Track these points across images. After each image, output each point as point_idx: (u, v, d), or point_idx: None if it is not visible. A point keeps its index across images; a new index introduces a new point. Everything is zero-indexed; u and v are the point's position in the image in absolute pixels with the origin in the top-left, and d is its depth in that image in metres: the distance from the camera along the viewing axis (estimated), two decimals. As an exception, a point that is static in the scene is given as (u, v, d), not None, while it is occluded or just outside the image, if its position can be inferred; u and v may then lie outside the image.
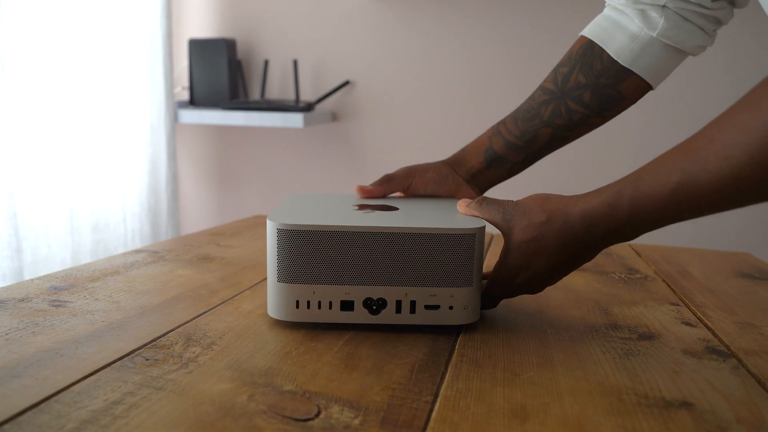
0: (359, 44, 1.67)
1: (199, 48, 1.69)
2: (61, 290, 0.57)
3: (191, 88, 1.72)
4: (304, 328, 0.50)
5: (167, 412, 0.35)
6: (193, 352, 0.44)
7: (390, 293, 0.48)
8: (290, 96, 1.76)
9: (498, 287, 0.52)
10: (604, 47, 0.59)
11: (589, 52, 0.60)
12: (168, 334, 0.47)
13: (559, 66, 0.62)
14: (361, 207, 0.55)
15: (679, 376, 0.43)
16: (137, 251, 0.73)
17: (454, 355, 0.45)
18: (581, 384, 0.41)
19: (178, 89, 1.85)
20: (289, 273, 0.47)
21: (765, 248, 1.50)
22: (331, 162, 1.74)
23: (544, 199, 0.49)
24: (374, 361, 0.43)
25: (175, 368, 0.41)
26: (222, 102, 1.68)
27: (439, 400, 0.38)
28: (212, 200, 1.89)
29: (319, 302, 0.48)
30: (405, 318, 0.48)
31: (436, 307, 0.48)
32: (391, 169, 1.69)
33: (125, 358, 0.42)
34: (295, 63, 1.64)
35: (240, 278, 0.63)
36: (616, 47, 0.58)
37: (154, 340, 0.46)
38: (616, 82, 0.59)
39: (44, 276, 0.61)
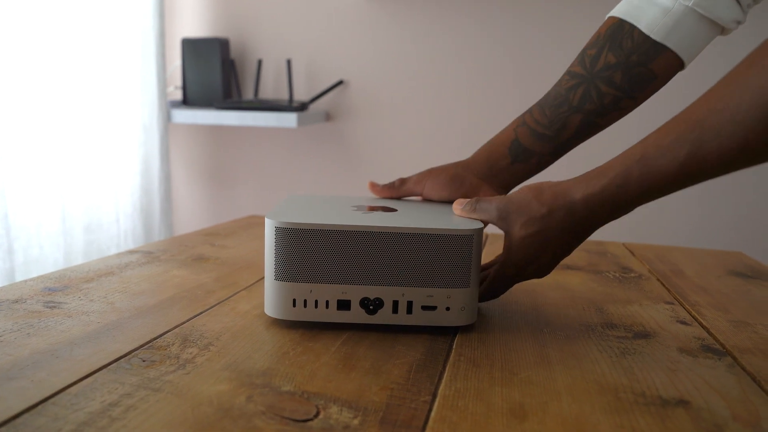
0: (353, 44, 1.67)
1: (192, 47, 1.68)
2: (55, 291, 0.56)
3: (184, 88, 1.71)
4: (302, 328, 0.49)
5: (165, 413, 0.35)
6: (190, 353, 0.43)
7: (387, 293, 0.48)
8: (284, 96, 1.75)
9: (502, 283, 0.52)
10: (635, 24, 0.55)
11: (618, 30, 0.56)
12: (164, 335, 0.47)
13: (586, 49, 0.58)
14: (359, 208, 0.55)
15: (676, 375, 0.43)
16: (131, 252, 0.73)
17: (452, 354, 0.45)
18: (579, 383, 0.41)
19: (170, 89, 1.84)
20: (287, 271, 0.47)
21: (757, 247, 1.51)
22: (325, 162, 1.74)
23: (538, 191, 0.48)
24: (372, 361, 0.43)
25: (172, 369, 0.41)
26: (215, 102, 1.67)
27: (437, 399, 0.38)
28: (205, 200, 1.89)
29: (316, 301, 0.48)
30: (402, 318, 0.48)
31: (433, 308, 0.48)
32: (385, 169, 1.69)
33: (122, 360, 0.42)
34: (289, 63, 1.64)
35: (236, 278, 0.63)
36: (648, 22, 0.55)
37: (150, 341, 0.45)
38: (648, 60, 0.56)
39: (38, 277, 0.60)
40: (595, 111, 0.57)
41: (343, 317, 0.48)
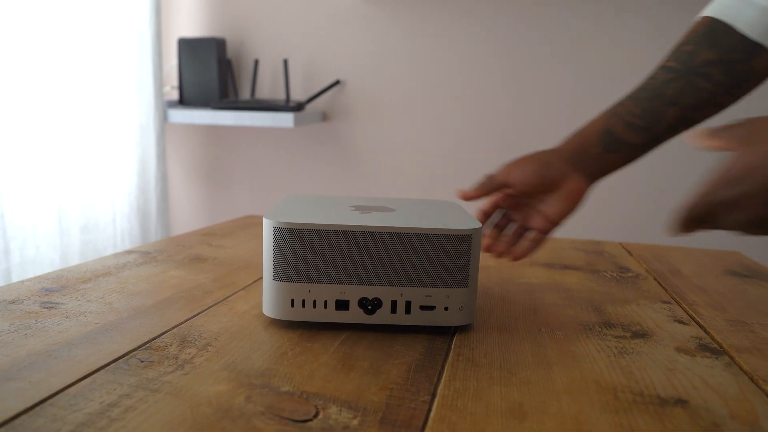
0: (350, 44, 1.67)
1: (188, 47, 1.68)
2: (52, 292, 0.56)
3: (181, 88, 1.71)
4: (300, 328, 0.49)
5: (164, 414, 0.35)
6: (189, 354, 0.43)
7: (385, 293, 0.48)
8: (280, 96, 1.75)
9: (709, 203, 0.42)
10: (732, 23, 0.55)
11: (715, 29, 0.56)
12: (163, 336, 0.47)
13: (680, 45, 0.58)
14: (358, 208, 0.55)
15: (674, 374, 0.43)
16: (128, 252, 0.72)
17: (451, 354, 0.45)
18: (577, 382, 0.41)
19: (167, 89, 1.84)
20: (285, 271, 0.47)
21: (754, 247, 1.52)
22: (322, 162, 1.74)
23: None
24: (371, 361, 0.43)
25: (170, 370, 0.40)
26: (212, 101, 1.67)
27: (436, 399, 0.38)
28: (202, 200, 1.88)
29: (315, 301, 0.48)
30: (400, 318, 0.48)
31: (432, 307, 0.48)
32: (382, 169, 1.69)
33: (120, 360, 0.42)
34: (286, 62, 1.64)
35: (233, 278, 0.63)
36: (747, 22, 0.55)
37: (148, 342, 0.45)
38: (748, 58, 0.56)
39: (35, 277, 0.60)
40: (692, 105, 0.57)
41: (341, 317, 0.48)
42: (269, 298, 0.48)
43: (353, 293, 0.48)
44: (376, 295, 0.48)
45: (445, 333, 0.50)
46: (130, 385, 0.38)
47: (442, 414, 0.36)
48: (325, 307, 0.48)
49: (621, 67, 1.51)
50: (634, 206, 1.57)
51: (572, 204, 0.59)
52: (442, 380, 0.41)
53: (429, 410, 0.36)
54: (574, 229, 1.61)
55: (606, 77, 1.52)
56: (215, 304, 0.55)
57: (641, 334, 0.51)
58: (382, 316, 0.48)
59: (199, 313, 0.52)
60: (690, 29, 0.59)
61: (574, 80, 1.54)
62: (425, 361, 0.44)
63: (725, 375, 0.43)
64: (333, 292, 0.48)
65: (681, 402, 0.39)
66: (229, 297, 0.57)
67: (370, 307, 0.48)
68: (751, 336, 0.52)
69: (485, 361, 0.44)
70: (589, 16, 1.50)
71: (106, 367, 0.40)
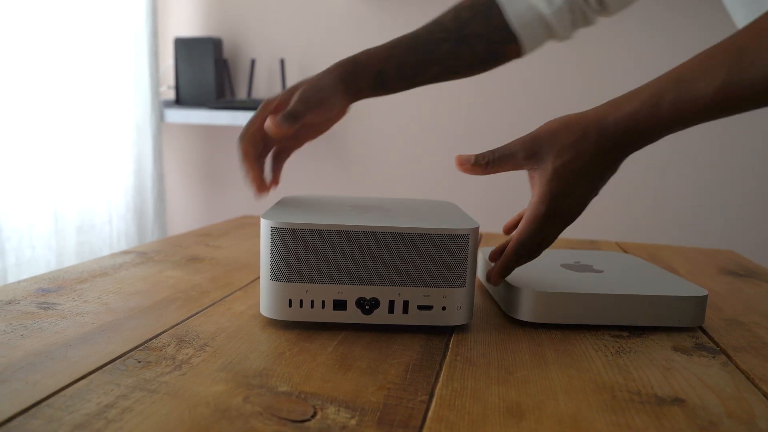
0: (346, 44, 1.66)
1: (184, 47, 1.67)
2: (49, 292, 0.56)
3: (177, 88, 1.71)
4: (297, 328, 0.49)
5: (162, 415, 0.35)
6: (186, 354, 0.43)
7: (383, 293, 0.48)
8: (277, 95, 1.75)
9: (536, 230, 0.49)
10: (504, 6, 0.63)
11: (491, 5, 0.63)
12: (160, 336, 0.46)
13: (460, 9, 0.64)
14: (355, 208, 0.55)
15: (671, 373, 0.43)
16: (125, 252, 0.72)
17: (448, 354, 0.45)
18: (575, 382, 0.41)
19: (163, 88, 1.83)
20: (282, 271, 0.47)
21: (749, 245, 1.52)
22: (318, 161, 1.74)
23: (564, 121, 0.47)
24: (368, 361, 0.43)
25: (168, 370, 0.40)
26: (208, 101, 1.67)
27: (434, 399, 0.38)
28: (199, 201, 1.88)
29: (312, 301, 0.48)
30: (398, 318, 0.48)
31: (429, 307, 0.48)
32: (380, 168, 1.69)
33: (117, 361, 0.42)
34: (282, 62, 1.64)
35: (230, 279, 0.63)
36: (514, 11, 0.62)
37: (145, 342, 0.45)
38: (506, 42, 0.63)
39: (31, 278, 0.60)
40: (450, 68, 0.64)
41: (339, 317, 0.48)
42: (267, 298, 0.48)
43: (350, 293, 0.48)
44: (374, 295, 0.48)
45: (443, 333, 0.50)
46: (127, 385, 0.38)
47: (440, 414, 0.36)
48: (323, 307, 0.48)
49: (621, 67, 1.52)
50: (629, 205, 1.57)
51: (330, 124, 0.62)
52: (440, 380, 0.41)
53: (427, 410, 0.36)
54: (571, 228, 1.62)
55: (606, 77, 1.53)
56: (212, 305, 0.54)
57: (638, 334, 0.51)
58: (380, 316, 0.48)
59: (196, 314, 0.52)
60: None
61: (574, 79, 1.55)
62: (423, 361, 0.44)
63: (722, 374, 0.43)
64: (330, 292, 0.48)
65: (678, 401, 0.39)
66: (226, 297, 0.57)
67: (367, 307, 0.48)
68: (747, 335, 0.52)
69: (483, 360, 0.44)
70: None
71: (103, 368, 0.40)
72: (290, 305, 0.48)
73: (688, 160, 1.52)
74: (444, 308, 0.48)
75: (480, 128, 1.61)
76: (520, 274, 0.55)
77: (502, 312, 0.56)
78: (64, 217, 1.42)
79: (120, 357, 0.42)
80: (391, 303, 0.48)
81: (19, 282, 0.59)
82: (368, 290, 0.48)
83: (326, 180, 1.74)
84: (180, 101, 1.71)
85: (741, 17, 0.59)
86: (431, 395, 0.38)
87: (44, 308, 0.52)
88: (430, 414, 0.36)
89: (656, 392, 0.40)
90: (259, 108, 0.58)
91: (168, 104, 1.73)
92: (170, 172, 1.89)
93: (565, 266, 0.60)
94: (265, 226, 0.47)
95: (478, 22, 0.62)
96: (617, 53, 1.50)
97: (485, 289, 0.63)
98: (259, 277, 0.64)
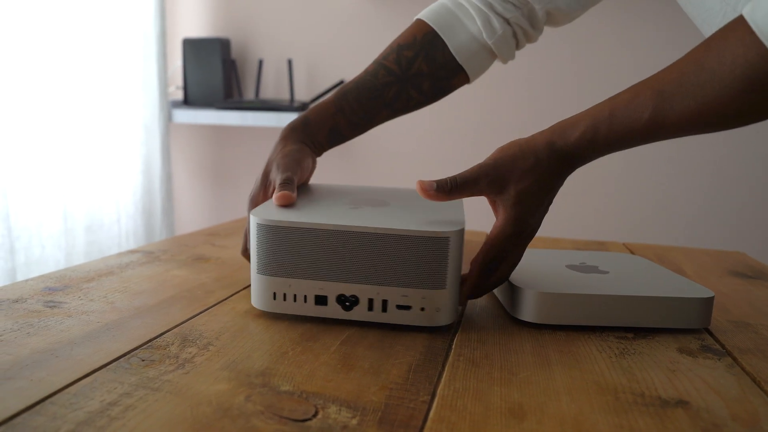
0: (354, 44, 1.67)
1: (193, 47, 1.68)
2: (55, 291, 0.56)
3: (185, 88, 1.72)
4: (301, 328, 0.49)
5: (164, 413, 0.35)
6: (190, 353, 0.43)
7: (362, 291, 0.48)
8: (285, 96, 1.75)
9: (501, 250, 0.50)
10: (446, 41, 0.63)
11: (433, 42, 0.64)
12: (164, 335, 0.47)
13: (402, 48, 0.64)
14: (350, 202, 0.56)
15: (675, 375, 0.43)
16: (132, 252, 0.73)
17: (451, 355, 0.45)
18: (578, 383, 0.41)
19: (172, 89, 1.84)
20: (268, 266, 0.49)
21: (758, 247, 1.51)
22: (325, 162, 1.74)
23: (519, 147, 0.50)
24: (371, 361, 0.43)
25: (171, 369, 0.41)
26: (216, 102, 1.67)
27: (436, 399, 0.38)
28: (207, 200, 1.89)
29: (295, 295, 0.49)
30: (377, 316, 0.49)
31: (408, 307, 0.48)
32: (385, 168, 1.69)
33: (121, 359, 0.42)
34: (290, 62, 1.64)
35: (236, 278, 0.63)
36: (457, 45, 0.63)
37: (150, 341, 0.45)
38: (451, 76, 0.65)
39: (38, 277, 0.60)
40: (400, 108, 0.66)
41: (320, 312, 0.49)
42: (255, 289, 0.50)
43: (331, 289, 0.48)
44: (354, 292, 0.48)
45: (446, 333, 0.50)
46: (130, 384, 0.38)
47: (442, 414, 0.36)
48: (305, 301, 0.49)
49: (622, 67, 1.51)
50: (638, 207, 1.56)
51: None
52: (442, 380, 0.41)
53: (428, 410, 0.36)
54: (577, 229, 1.61)
55: (607, 77, 1.52)
56: (217, 304, 0.55)
57: (643, 335, 0.51)
58: (359, 313, 0.49)
59: (200, 313, 0.52)
60: (411, 30, 0.65)
61: (576, 80, 1.54)
62: (425, 362, 0.44)
63: (727, 376, 0.43)
64: (312, 287, 0.49)
65: (682, 403, 0.39)
66: (230, 297, 0.57)
67: (347, 304, 0.49)
68: (754, 337, 0.52)
69: (486, 361, 0.44)
70: (591, 15, 1.49)
71: (107, 366, 0.41)
72: (275, 298, 0.49)
73: (698, 161, 1.51)
74: (423, 309, 0.48)
75: (481, 128, 1.61)
76: (524, 275, 0.55)
77: (506, 313, 0.55)
78: (73, 217, 1.43)
79: (124, 355, 0.43)
80: (371, 301, 0.48)
81: (26, 281, 0.59)
82: (348, 288, 0.48)
83: (330, 179, 1.74)
84: (188, 101, 1.72)
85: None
86: (433, 395, 0.38)
87: (50, 307, 0.52)
88: (431, 414, 0.36)
89: (660, 394, 0.40)
90: (249, 209, 0.61)
91: (176, 104, 1.74)
92: (178, 172, 1.90)
93: (570, 267, 0.60)
94: (253, 222, 0.49)
95: (421, 60, 0.64)
96: (622, 55, 1.49)
97: (490, 289, 0.63)
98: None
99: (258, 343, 0.46)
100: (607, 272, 0.58)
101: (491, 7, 0.63)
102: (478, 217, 1.62)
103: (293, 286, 0.49)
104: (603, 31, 1.51)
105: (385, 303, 0.48)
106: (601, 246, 0.88)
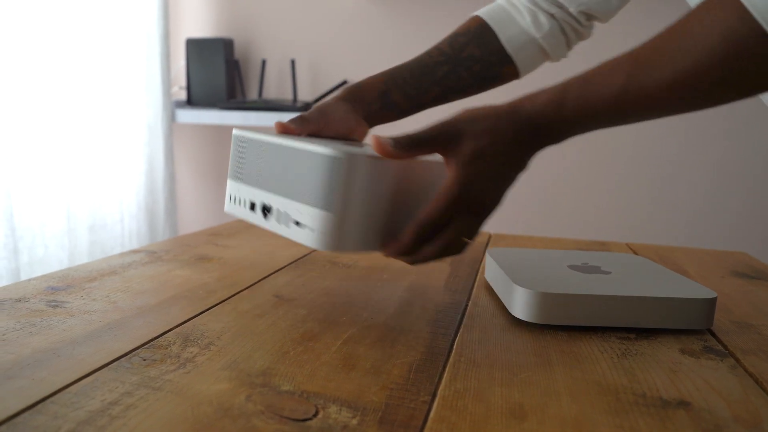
0: (356, 44, 1.67)
1: (196, 48, 1.69)
2: (58, 290, 0.56)
3: (188, 88, 1.72)
4: (302, 328, 0.50)
5: (165, 412, 0.35)
6: (191, 353, 0.44)
7: (274, 201, 0.51)
8: (288, 96, 1.75)
9: (446, 210, 0.48)
10: (497, 33, 0.67)
11: (485, 31, 0.67)
12: (165, 335, 0.47)
13: (456, 35, 0.68)
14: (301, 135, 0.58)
15: (677, 376, 0.43)
16: (134, 251, 0.73)
17: (452, 355, 0.45)
18: (579, 383, 0.41)
19: (175, 89, 1.85)
20: (232, 171, 0.55)
21: (761, 247, 1.50)
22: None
23: (482, 109, 0.49)
24: (372, 361, 0.43)
25: (172, 368, 0.41)
26: (219, 102, 1.67)
27: (437, 400, 0.38)
28: (209, 200, 1.89)
29: (241, 200, 0.54)
30: (283, 230, 0.50)
31: (299, 224, 0.49)
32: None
33: (122, 359, 0.42)
34: (293, 63, 1.64)
35: (238, 278, 0.63)
36: (508, 36, 0.67)
37: (151, 341, 0.45)
38: (501, 64, 0.67)
39: (41, 276, 0.61)
40: (450, 89, 0.67)
41: (253, 218, 0.53)
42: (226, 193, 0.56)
43: (257, 197, 0.53)
44: (269, 202, 0.51)
45: (447, 334, 0.50)
46: (131, 383, 0.38)
47: (442, 414, 0.36)
48: (244, 206, 0.54)
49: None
50: (641, 207, 1.56)
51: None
52: (443, 381, 0.41)
53: (429, 410, 0.36)
54: (580, 229, 1.61)
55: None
56: (218, 304, 0.55)
57: (645, 336, 0.51)
58: (274, 224, 0.51)
59: (202, 313, 0.52)
60: (467, 23, 0.68)
61: (582, 80, 1.54)
62: (427, 362, 0.44)
63: (729, 377, 0.43)
64: (247, 194, 0.53)
65: (683, 404, 0.38)
66: (232, 296, 0.57)
67: (265, 212, 0.52)
68: (757, 338, 0.52)
69: (487, 361, 0.44)
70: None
71: (109, 366, 0.41)
72: (230, 200, 0.55)
73: (700, 161, 1.51)
74: (312, 230, 0.47)
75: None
76: (526, 275, 0.55)
77: (508, 313, 0.55)
78: (76, 217, 1.43)
79: (125, 355, 0.43)
80: (279, 212, 0.50)
81: (29, 280, 0.59)
82: (266, 197, 0.52)
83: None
84: (191, 102, 1.72)
85: None
86: (434, 396, 0.38)
87: (53, 306, 0.52)
88: (431, 414, 0.36)
89: (662, 395, 0.40)
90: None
91: (179, 105, 1.75)
92: (181, 171, 1.90)
93: (572, 267, 0.60)
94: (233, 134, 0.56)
95: (474, 45, 0.66)
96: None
97: (491, 289, 0.63)
98: (265, 277, 0.64)
99: (259, 343, 0.46)
100: (609, 272, 0.58)
101: (538, 6, 0.67)
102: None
103: (240, 191, 0.54)
104: (604, 30, 1.50)
105: (286, 216, 0.50)
106: (603, 246, 0.88)
